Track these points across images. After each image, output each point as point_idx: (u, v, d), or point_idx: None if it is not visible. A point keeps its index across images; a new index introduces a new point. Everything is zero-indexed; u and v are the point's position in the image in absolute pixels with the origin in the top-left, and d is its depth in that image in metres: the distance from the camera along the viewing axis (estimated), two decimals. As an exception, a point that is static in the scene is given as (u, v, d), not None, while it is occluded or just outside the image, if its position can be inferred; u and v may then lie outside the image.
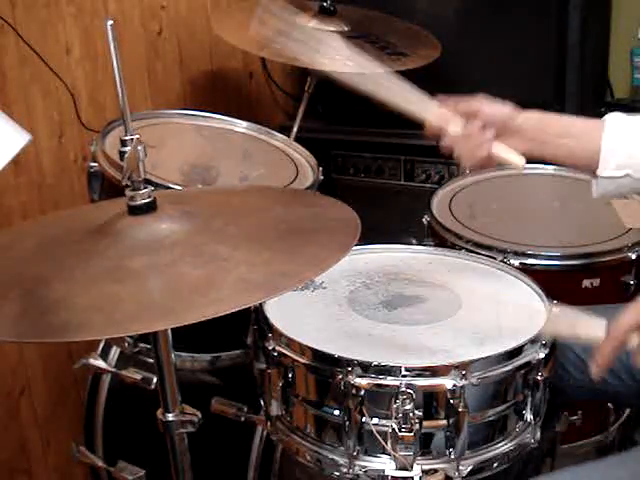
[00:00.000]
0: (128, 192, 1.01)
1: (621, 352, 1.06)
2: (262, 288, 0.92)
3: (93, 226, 1.03)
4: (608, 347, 1.05)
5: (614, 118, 1.25)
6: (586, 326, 1.10)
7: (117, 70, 0.96)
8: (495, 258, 1.47)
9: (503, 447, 1.17)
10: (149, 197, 1.01)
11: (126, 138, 0.99)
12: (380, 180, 2.34)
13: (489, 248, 1.56)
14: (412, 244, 1.55)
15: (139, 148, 1.00)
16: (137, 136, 1.00)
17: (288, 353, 1.16)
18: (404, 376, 1.09)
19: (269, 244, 1.01)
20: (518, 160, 1.27)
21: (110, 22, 0.95)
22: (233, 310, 0.86)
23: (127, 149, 0.99)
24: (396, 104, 1.27)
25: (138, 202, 1.01)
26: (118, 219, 1.02)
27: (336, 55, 1.31)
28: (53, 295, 0.91)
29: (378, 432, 1.10)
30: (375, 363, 1.10)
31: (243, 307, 0.87)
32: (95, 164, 1.53)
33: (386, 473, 1.11)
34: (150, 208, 1.01)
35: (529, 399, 1.17)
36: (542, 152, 1.29)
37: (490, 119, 1.26)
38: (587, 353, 1.30)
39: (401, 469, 1.10)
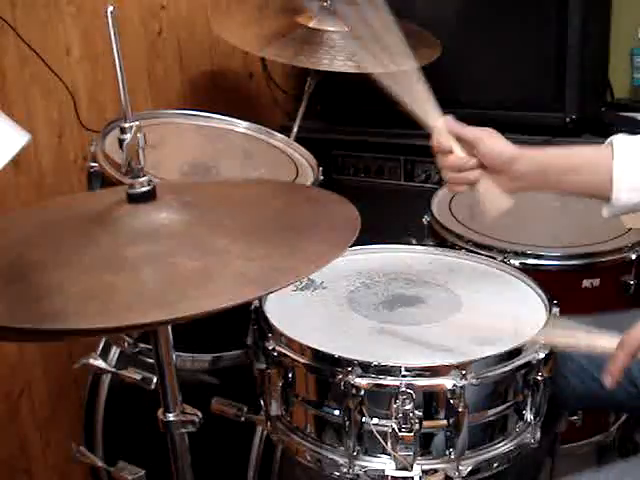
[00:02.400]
0: (127, 180, 1.00)
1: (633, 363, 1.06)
2: (259, 283, 0.91)
3: (91, 213, 1.02)
4: (622, 357, 1.06)
5: (621, 142, 1.24)
6: (598, 337, 1.10)
7: (117, 56, 0.95)
8: (495, 258, 1.47)
9: (503, 447, 1.17)
10: (148, 185, 1.00)
11: (126, 125, 0.99)
12: (380, 180, 2.34)
13: (489, 248, 1.56)
14: (412, 244, 1.55)
15: (139, 135, 0.99)
16: (137, 123, 0.99)
17: (288, 353, 1.16)
18: (404, 376, 1.09)
19: (268, 238, 1.00)
20: (502, 203, 1.25)
21: (110, 8, 0.93)
22: (228, 304, 0.85)
23: (127, 136, 0.98)
24: (410, 107, 1.26)
25: (137, 190, 1.00)
26: (117, 207, 1.00)
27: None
28: (48, 282, 0.90)
29: (378, 432, 1.10)
30: (375, 363, 1.10)
31: (239, 301, 0.86)
32: (95, 164, 1.53)
33: (386, 473, 1.11)
34: (149, 197, 1.00)
35: (529, 399, 1.17)
36: (543, 190, 1.28)
37: (486, 159, 1.24)
38: (588, 361, 1.30)
39: (401, 469, 1.10)
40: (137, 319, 0.86)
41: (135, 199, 1.00)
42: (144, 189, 1.00)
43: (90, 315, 0.86)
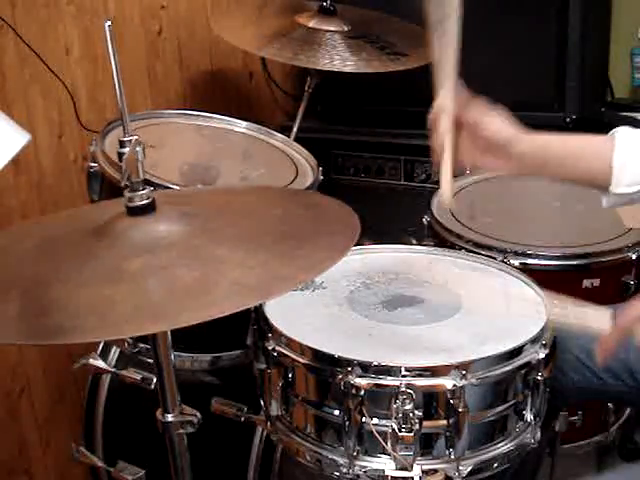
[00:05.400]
0: (127, 193, 1.01)
1: (624, 344, 1.07)
2: (257, 291, 0.92)
3: (92, 227, 1.03)
4: (614, 336, 1.07)
5: (624, 133, 1.24)
6: (593, 316, 1.11)
7: (116, 71, 0.96)
8: (495, 258, 1.47)
9: (503, 447, 1.17)
10: (148, 198, 1.01)
11: (125, 139, 0.99)
12: (380, 180, 2.34)
13: (489, 248, 1.56)
14: (412, 244, 1.55)
15: (138, 149, 0.99)
16: (136, 137, 0.99)
17: (288, 353, 1.16)
18: (404, 376, 1.08)
19: (267, 246, 1.01)
20: (444, 192, 1.24)
21: (108, 23, 0.94)
22: (226, 313, 0.85)
23: (126, 150, 0.99)
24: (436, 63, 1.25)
25: (137, 203, 1.00)
26: (117, 220, 1.01)
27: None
28: (50, 296, 0.91)
29: (378, 432, 1.10)
30: (375, 363, 1.10)
31: (236, 310, 0.86)
32: (95, 164, 1.53)
33: (386, 473, 1.11)
34: (149, 209, 1.01)
35: (529, 399, 1.17)
36: (543, 174, 1.28)
37: (486, 141, 1.23)
38: (586, 354, 1.31)
39: (401, 469, 1.10)
40: (136, 331, 0.86)
41: (135, 212, 1.01)
42: (143, 202, 1.01)
43: (89, 329, 0.87)
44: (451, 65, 1.24)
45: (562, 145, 1.27)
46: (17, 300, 0.92)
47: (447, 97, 1.24)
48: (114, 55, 0.95)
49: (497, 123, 1.24)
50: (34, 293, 0.93)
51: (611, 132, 1.25)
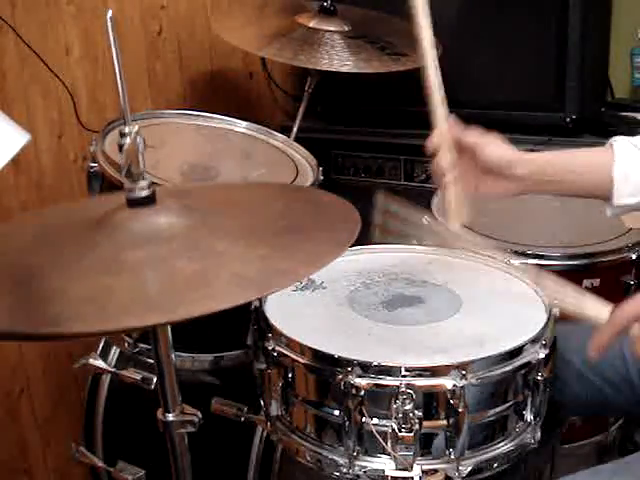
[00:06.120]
0: (127, 184, 1.00)
1: (620, 338, 1.07)
2: (256, 284, 0.91)
3: (91, 218, 1.02)
4: (609, 330, 1.06)
5: (622, 144, 1.24)
6: (592, 305, 1.11)
7: (117, 62, 0.95)
8: (495, 258, 1.47)
9: (503, 447, 1.17)
10: (148, 189, 1.00)
11: (125, 130, 0.99)
12: (380, 180, 2.34)
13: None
14: (412, 244, 1.55)
15: (138, 140, 0.99)
16: (136, 128, 0.99)
17: (288, 353, 1.16)
18: (404, 376, 1.08)
19: (267, 240, 1.01)
20: (461, 217, 1.29)
21: (110, 14, 0.94)
22: (225, 306, 0.85)
23: (126, 141, 0.98)
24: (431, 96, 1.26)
25: (137, 194, 0.99)
26: (116, 211, 1.00)
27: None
28: (48, 287, 0.90)
29: (378, 432, 1.10)
30: (375, 363, 1.10)
31: (235, 304, 0.86)
32: (95, 164, 1.53)
33: (386, 473, 1.11)
34: (149, 201, 1.00)
35: (529, 399, 1.17)
36: (545, 192, 1.29)
37: (485, 165, 1.25)
38: (586, 367, 1.31)
39: (401, 469, 1.10)
40: (135, 322, 0.86)
41: (135, 203, 1.00)
42: (144, 193, 1.00)
43: (89, 319, 0.86)
44: (439, 94, 1.25)
45: (562, 161, 1.27)
46: (15, 289, 0.92)
47: (443, 126, 1.26)
48: (115, 46, 0.94)
49: (495, 147, 1.25)
50: (33, 283, 0.92)
51: (608, 142, 1.25)
